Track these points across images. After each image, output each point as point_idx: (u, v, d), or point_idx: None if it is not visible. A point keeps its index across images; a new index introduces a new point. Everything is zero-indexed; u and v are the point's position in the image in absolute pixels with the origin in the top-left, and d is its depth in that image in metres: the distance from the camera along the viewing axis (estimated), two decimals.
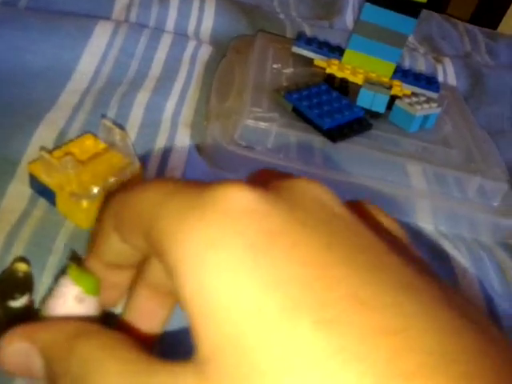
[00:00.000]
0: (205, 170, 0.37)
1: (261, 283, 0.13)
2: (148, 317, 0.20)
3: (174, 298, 0.20)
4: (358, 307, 0.13)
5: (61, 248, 0.28)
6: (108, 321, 0.20)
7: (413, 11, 0.43)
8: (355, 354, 0.12)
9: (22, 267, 0.22)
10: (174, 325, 0.21)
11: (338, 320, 0.13)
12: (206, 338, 0.13)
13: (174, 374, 0.14)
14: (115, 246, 0.18)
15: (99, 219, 0.19)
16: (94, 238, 0.19)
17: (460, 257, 0.37)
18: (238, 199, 0.15)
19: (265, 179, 0.17)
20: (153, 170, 0.35)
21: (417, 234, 0.38)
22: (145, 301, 0.20)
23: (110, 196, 0.19)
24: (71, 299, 0.19)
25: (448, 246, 0.37)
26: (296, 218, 0.15)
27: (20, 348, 0.17)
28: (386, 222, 0.19)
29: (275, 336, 0.13)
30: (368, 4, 0.43)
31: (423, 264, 0.17)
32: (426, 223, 0.40)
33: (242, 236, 0.14)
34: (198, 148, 0.39)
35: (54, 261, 0.27)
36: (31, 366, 0.17)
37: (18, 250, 0.27)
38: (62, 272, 0.21)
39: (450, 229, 0.40)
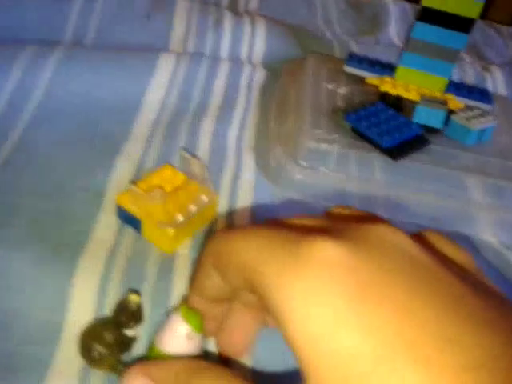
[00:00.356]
0: (272, 193, 0.39)
1: (359, 329, 0.15)
2: (243, 328, 0.23)
3: (264, 313, 0.23)
4: (447, 345, 0.15)
5: (153, 274, 0.31)
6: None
7: (464, 27, 0.44)
8: None
9: (135, 299, 0.25)
10: None
11: (428, 357, 0.14)
12: (316, 377, 0.15)
13: None
14: (215, 283, 0.21)
15: (200, 260, 0.22)
16: (195, 276, 0.22)
17: None
18: (330, 253, 0.17)
19: (344, 221, 0.19)
20: (225, 197, 0.37)
21: (480, 247, 0.39)
22: (240, 315, 0.23)
23: (211, 238, 0.21)
24: (183, 336, 0.22)
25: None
26: (382, 267, 0.17)
27: (141, 383, 0.19)
28: (453, 251, 0.20)
29: (374, 376, 0.14)
30: (419, 22, 0.45)
31: (498, 296, 0.18)
32: (488, 236, 0.40)
33: (337, 286, 0.16)
34: (263, 171, 0.41)
35: (148, 287, 0.30)
36: None
37: (116, 276, 0.30)
38: (173, 310, 0.23)
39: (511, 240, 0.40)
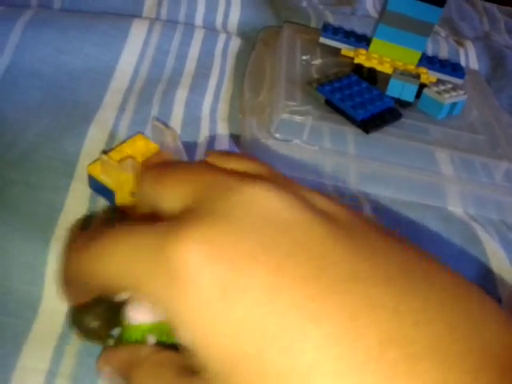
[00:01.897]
0: None
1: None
2: None
3: None
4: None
5: None
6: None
7: (439, 1, 0.44)
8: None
9: None
10: None
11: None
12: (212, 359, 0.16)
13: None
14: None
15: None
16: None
17: (490, 238, 0.39)
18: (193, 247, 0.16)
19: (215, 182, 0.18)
20: None
21: (448, 218, 0.40)
22: None
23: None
24: None
25: (478, 228, 0.40)
26: (242, 248, 0.16)
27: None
28: (241, 164, 0.20)
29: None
30: None
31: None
32: (456, 207, 0.42)
33: (205, 284, 0.16)
34: (236, 142, 0.41)
35: None
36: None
37: None
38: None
39: (478, 212, 0.42)
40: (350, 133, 0.42)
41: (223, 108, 0.43)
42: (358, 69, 0.47)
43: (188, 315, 0.16)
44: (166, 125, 0.36)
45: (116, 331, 0.23)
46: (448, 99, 0.43)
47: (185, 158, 0.34)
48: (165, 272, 0.16)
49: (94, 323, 0.23)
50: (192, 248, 0.16)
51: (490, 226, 0.40)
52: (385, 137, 0.42)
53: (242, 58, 0.48)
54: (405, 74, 0.44)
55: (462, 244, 0.38)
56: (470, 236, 0.39)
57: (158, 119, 0.37)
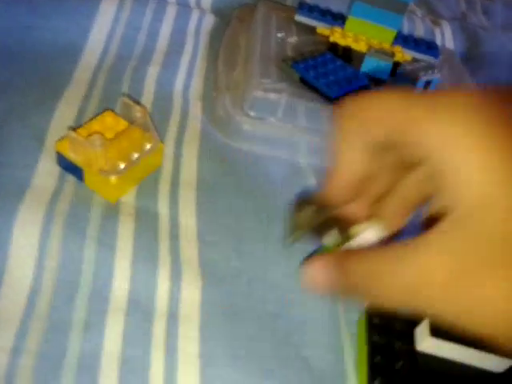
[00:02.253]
0: (219, 142, 0.38)
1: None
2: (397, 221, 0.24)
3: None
4: None
5: (97, 218, 0.30)
6: None
7: None
8: None
9: None
10: None
11: None
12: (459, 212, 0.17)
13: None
14: (358, 155, 0.21)
15: (341, 130, 0.22)
16: (338, 159, 0.22)
17: None
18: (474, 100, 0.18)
19: None
20: (171, 144, 0.36)
21: None
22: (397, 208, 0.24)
23: (342, 110, 0.22)
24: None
25: None
26: None
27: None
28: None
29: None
30: None
31: None
32: None
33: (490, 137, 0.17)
34: (210, 120, 0.40)
35: (94, 230, 0.29)
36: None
37: (58, 222, 0.29)
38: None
39: None
40: (325, 111, 0.42)
41: (196, 85, 0.42)
42: (334, 47, 0.46)
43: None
44: (136, 101, 0.36)
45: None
46: (422, 77, 0.43)
47: (155, 133, 0.33)
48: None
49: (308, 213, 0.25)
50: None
51: None
52: None
53: (217, 36, 0.48)
54: (379, 52, 0.43)
55: None
56: None
57: (127, 96, 0.36)
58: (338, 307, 0.29)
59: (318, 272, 0.21)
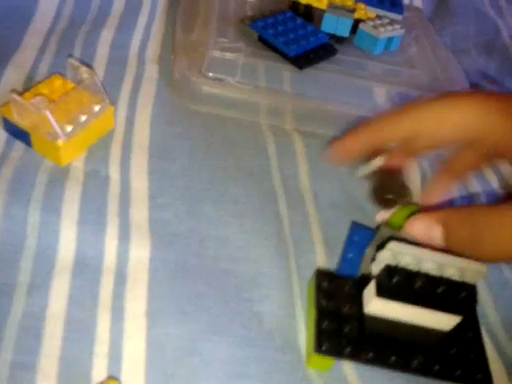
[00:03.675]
0: (175, 105, 0.38)
1: None
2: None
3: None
4: None
5: (43, 182, 0.29)
6: None
7: None
8: None
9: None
10: None
11: None
12: None
13: None
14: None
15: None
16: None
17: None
18: None
19: None
20: (123, 107, 0.36)
21: None
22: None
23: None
24: None
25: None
26: None
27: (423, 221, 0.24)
28: None
29: None
30: None
31: None
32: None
33: None
34: (167, 83, 0.39)
35: (39, 195, 0.29)
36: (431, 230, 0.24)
37: (1, 188, 0.28)
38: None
39: None
40: (285, 70, 0.41)
41: (153, 48, 0.41)
42: (295, 6, 0.45)
43: None
44: (84, 62, 0.35)
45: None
46: (383, 33, 0.42)
47: (104, 95, 0.32)
48: None
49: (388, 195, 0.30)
50: None
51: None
52: (321, 73, 0.41)
53: None
54: (339, 9, 0.42)
55: None
56: None
57: (75, 58, 0.35)
58: (289, 263, 0.29)
59: (428, 227, 0.24)
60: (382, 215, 0.29)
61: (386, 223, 0.28)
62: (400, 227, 0.26)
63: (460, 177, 0.31)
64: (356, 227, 0.31)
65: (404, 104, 0.29)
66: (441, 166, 0.31)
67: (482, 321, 0.27)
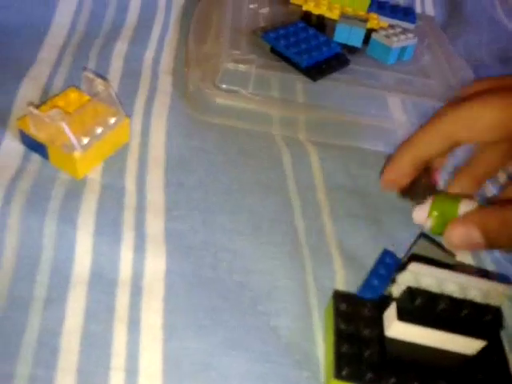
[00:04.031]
0: (190, 117, 0.38)
1: None
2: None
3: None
4: None
5: (60, 194, 0.29)
6: None
7: None
8: None
9: None
10: None
11: None
12: None
13: None
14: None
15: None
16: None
17: None
18: None
19: None
20: (138, 120, 0.36)
21: None
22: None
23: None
24: None
25: None
26: None
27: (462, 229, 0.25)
28: None
29: None
30: None
31: None
32: None
33: None
34: (181, 95, 0.39)
35: (55, 207, 0.29)
36: (472, 237, 0.24)
37: (18, 200, 0.28)
38: None
39: None
40: (298, 81, 0.41)
41: (167, 60, 0.41)
42: (307, 16, 0.45)
43: None
44: (98, 74, 0.35)
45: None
46: (396, 43, 0.42)
47: (119, 107, 0.33)
48: None
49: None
50: None
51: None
52: (334, 84, 0.41)
53: (189, 10, 0.47)
54: (351, 19, 0.42)
55: None
56: None
57: (90, 70, 0.36)
58: (306, 275, 0.29)
59: (468, 235, 0.24)
60: (419, 213, 0.28)
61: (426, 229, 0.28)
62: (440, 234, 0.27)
63: (486, 177, 0.31)
64: (387, 253, 0.30)
65: (435, 113, 0.28)
66: (465, 167, 0.31)
67: (506, 343, 0.26)
